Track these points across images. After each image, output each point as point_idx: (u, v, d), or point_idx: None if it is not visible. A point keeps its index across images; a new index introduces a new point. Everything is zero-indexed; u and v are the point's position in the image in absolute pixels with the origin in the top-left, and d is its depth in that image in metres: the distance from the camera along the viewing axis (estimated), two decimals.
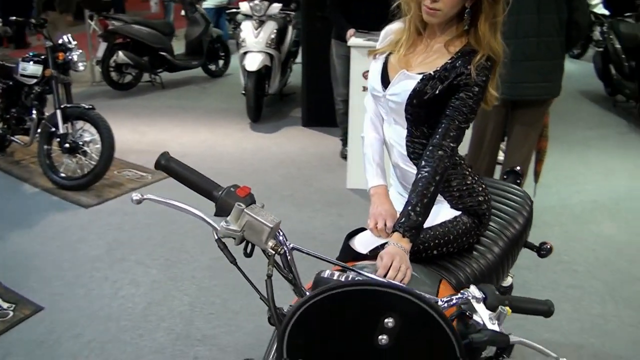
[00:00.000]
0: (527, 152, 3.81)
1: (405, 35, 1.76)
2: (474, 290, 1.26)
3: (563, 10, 3.32)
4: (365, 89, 4.26)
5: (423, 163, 1.65)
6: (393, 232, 1.59)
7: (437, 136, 1.66)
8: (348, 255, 1.75)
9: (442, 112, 1.69)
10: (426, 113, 1.72)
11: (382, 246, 1.73)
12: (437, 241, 1.78)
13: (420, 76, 1.69)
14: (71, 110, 4.25)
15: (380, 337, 1.08)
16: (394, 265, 1.45)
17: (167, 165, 1.42)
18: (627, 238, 3.96)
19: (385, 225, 1.75)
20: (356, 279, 1.18)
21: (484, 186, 1.90)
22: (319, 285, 1.21)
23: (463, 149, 4.06)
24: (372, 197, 1.84)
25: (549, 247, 2.12)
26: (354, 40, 4.26)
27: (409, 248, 1.54)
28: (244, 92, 6.10)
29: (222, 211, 1.34)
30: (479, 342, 1.16)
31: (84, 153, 4.32)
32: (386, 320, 1.07)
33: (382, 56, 1.82)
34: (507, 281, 2.16)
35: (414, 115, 1.73)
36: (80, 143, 4.29)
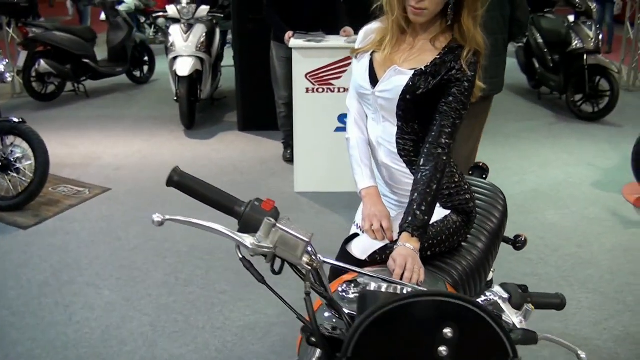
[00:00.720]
0: (473, 146, 3.90)
1: (389, 35, 1.74)
2: (499, 290, 1.25)
3: (506, 8, 3.40)
4: (308, 90, 4.24)
5: (422, 161, 1.65)
6: (401, 232, 1.58)
7: (433, 134, 1.66)
8: (346, 262, 1.68)
9: (432, 108, 1.70)
10: (417, 109, 1.71)
11: (380, 250, 1.73)
12: (430, 242, 1.76)
13: (412, 71, 1.69)
14: (0, 125, 3.96)
15: (440, 348, 1.03)
16: (408, 266, 1.46)
17: (181, 182, 1.31)
18: (572, 224, 4.11)
19: (382, 226, 1.72)
20: (404, 291, 1.11)
21: (468, 184, 1.90)
22: (367, 300, 1.13)
23: None
24: (364, 199, 1.80)
25: (523, 239, 2.14)
26: (295, 41, 4.20)
27: (418, 247, 1.55)
28: (176, 98, 5.91)
29: (247, 227, 1.25)
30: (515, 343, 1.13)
31: (17, 170, 4.04)
32: (445, 330, 1.02)
33: (366, 55, 1.79)
34: (489, 276, 2.17)
35: (406, 111, 1.72)
36: (12, 160, 4.01)
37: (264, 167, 5.06)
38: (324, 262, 1.29)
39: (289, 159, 5.09)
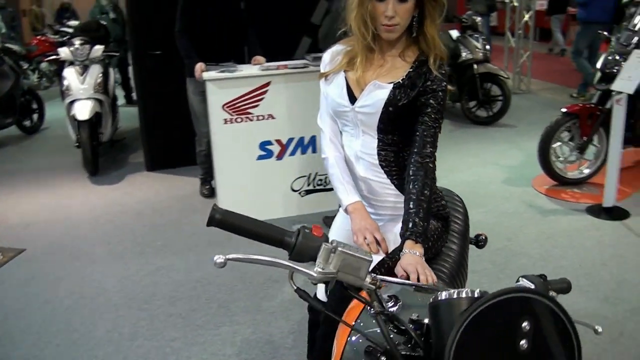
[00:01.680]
0: None
1: (360, 57, 1.80)
2: (524, 282, 1.28)
3: None
4: (226, 121, 4.17)
5: (412, 171, 1.74)
6: (404, 240, 1.65)
7: (418, 144, 1.76)
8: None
9: (410, 119, 1.78)
10: (397, 120, 1.78)
11: (379, 264, 1.78)
12: None
13: (391, 85, 1.76)
14: None
15: (521, 342, 1.06)
16: (420, 271, 1.52)
17: (223, 220, 1.28)
18: (494, 220, 4.33)
19: (376, 238, 1.74)
20: (464, 292, 1.12)
21: (440, 191, 1.95)
22: (440, 309, 1.12)
23: None
24: (351, 215, 1.82)
25: (484, 237, 2.21)
26: (209, 73, 4.11)
27: (422, 252, 1.62)
28: (77, 144, 5.61)
29: (300, 257, 1.24)
30: None
31: None
32: (524, 324, 1.06)
33: (339, 74, 1.84)
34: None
35: (387, 123, 1.79)
36: None
37: (183, 205, 4.90)
38: (384, 280, 1.30)
39: (207, 195, 4.98)
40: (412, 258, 1.57)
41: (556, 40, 12.36)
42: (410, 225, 1.65)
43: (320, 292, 2.12)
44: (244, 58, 4.64)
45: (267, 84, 4.18)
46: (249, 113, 4.22)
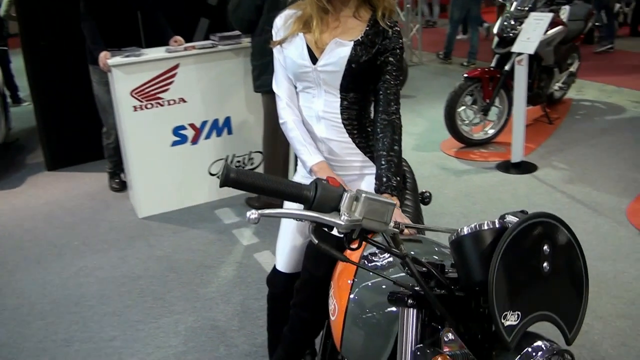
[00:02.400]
0: None
1: (315, 20, 1.81)
2: (511, 218, 1.30)
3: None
4: (136, 108, 3.98)
5: (379, 130, 1.79)
6: (381, 195, 1.65)
7: (382, 103, 1.82)
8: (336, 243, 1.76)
9: (371, 76, 1.83)
10: (360, 77, 1.81)
11: None
12: None
13: (352, 42, 1.79)
14: None
15: (543, 265, 1.11)
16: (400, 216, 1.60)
17: (239, 179, 1.21)
18: None
19: None
20: (484, 224, 1.16)
21: None
22: (465, 243, 1.16)
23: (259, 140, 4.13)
24: (316, 174, 1.81)
25: (428, 194, 2.26)
26: (115, 59, 3.89)
27: (399, 204, 1.71)
28: None
29: (321, 208, 1.21)
30: None
31: None
32: (544, 247, 1.11)
33: (297, 36, 1.85)
34: None
35: (350, 80, 1.81)
36: None
37: (94, 201, 4.64)
38: (407, 226, 1.31)
39: (118, 188, 4.75)
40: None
41: (424, 12, 12.91)
42: (385, 180, 1.71)
43: (281, 260, 2.09)
44: (141, 44, 4.43)
45: (176, 67, 4.03)
46: (160, 98, 4.05)
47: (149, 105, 4.02)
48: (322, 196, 1.21)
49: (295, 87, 1.93)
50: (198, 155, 4.32)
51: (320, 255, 1.84)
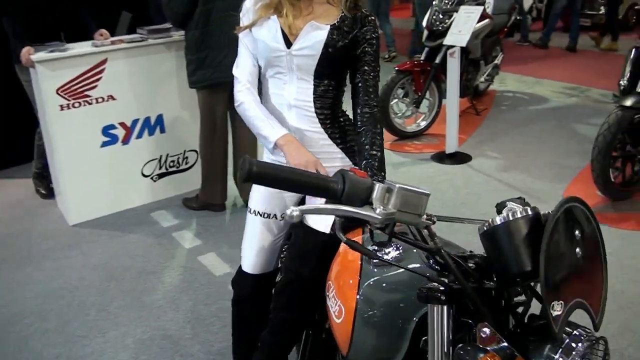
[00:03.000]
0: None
1: (286, 6, 1.74)
2: (514, 205, 1.28)
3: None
4: (63, 107, 3.70)
5: (362, 123, 1.76)
6: None
7: (362, 95, 1.77)
8: (313, 238, 1.77)
9: (346, 64, 1.79)
10: (335, 63, 1.76)
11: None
12: None
13: (329, 26, 1.73)
14: None
15: (577, 250, 1.09)
16: None
17: (262, 173, 1.10)
18: None
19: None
20: (517, 212, 1.12)
21: None
22: (498, 233, 1.12)
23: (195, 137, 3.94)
24: (284, 148, 1.72)
25: None
26: (38, 55, 3.58)
27: None
28: None
29: (350, 201, 1.12)
30: None
31: None
32: (576, 232, 1.09)
33: (270, 19, 1.76)
34: None
35: (325, 66, 1.75)
36: None
37: (21, 211, 4.28)
38: (439, 218, 1.23)
39: (45, 194, 4.42)
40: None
41: None
42: (369, 169, 1.68)
43: (248, 261, 2.01)
44: (80, 36, 4.13)
45: (104, 62, 3.78)
46: (88, 96, 3.78)
47: (76, 104, 3.75)
48: (351, 188, 1.11)
49: (261, 73, 1.86)
50: (130, 156, 4.08)
51: (306, 253, 1.75)
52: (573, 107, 6.16)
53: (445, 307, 1.18)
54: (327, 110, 1.82)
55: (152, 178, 4.24)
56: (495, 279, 1.19)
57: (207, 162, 3.96)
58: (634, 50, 4.49)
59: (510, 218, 1.12)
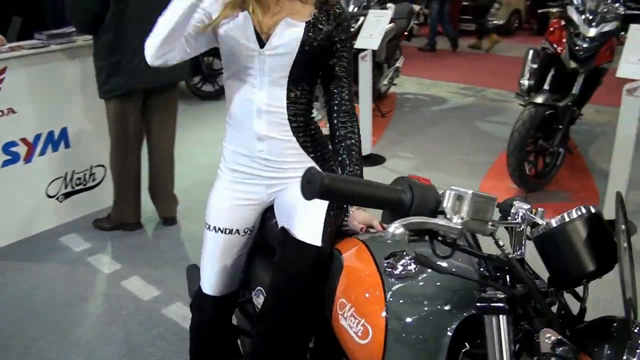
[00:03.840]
0: (172, 135, 3.74)
1: (251, 4, 1.60)
2: (520, 203, 1.25)
3: None
4: None
5: (343, 133, 1.71)
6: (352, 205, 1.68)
7: (339, 102, 1.71)
8: (302, 250, 1.65)
9: (319, 66, 1.69)
10: (312, 63, 1.67)
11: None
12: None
13: (304, 23, 1.63)
14: None
15: (624, 245, 1.06)
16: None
17: (334, 187, 0.96)
18: None
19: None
20: (573, 213, 1.11)
21: None
22: (557, 235, 1.10)
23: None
24: None
25: None
26: None
27: None
28: None
29: (421, 211, 1.04)
30: None
31: None
32: (622, 227, 1.07)
33: (239, 15, 1.61)
34: None
35: (300, 66, 1.64)
36: None
37: None
38: (500, 224, 1.14)
39: None
40: (364, 214, 1.65)
41: None
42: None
43: (210, 282, 1.86)
44: None
45: (3, 70, 3.36)
46: None
47: None
48: (422, 196, 1.02)
49: (226, 76, 1.73)
50: (33, 176, 3.67)
51: (300, 271, 1.61)
52: (471, 106, 6.43)
53: (505, 317, 1.11)
54: (301, 117, 1.71)
55: (57, 199, 3.84)
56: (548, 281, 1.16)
57: (118, 178, 3.64)
58: (531, 52, 4.78)
59: (568, 219, 1.10)
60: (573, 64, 4.05)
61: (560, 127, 4.10)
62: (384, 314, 1.29)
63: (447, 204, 1.03)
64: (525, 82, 4.92)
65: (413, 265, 1.32)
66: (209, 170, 4.63)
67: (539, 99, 4.01)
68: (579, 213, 1.09)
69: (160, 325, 2.85)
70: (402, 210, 1.02)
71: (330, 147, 1.80)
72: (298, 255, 1.61)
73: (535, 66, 4.97)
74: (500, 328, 1.11)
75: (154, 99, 3.50)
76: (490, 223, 1.08)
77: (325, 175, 0.96)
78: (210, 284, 1.85)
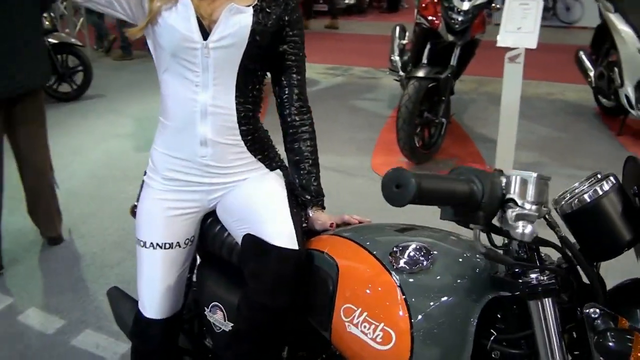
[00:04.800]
0: (44, 146, 3.32)
1: None
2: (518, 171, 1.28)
3: None
4: None
5: (300, 131, 1.62)
6: (312, 207, 1.60)
7: (293, 100, 1.61)
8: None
9: (269, 59, 1.54)
10: (264, 54, 1.51)
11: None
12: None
13: (251, 8, 1.46)
14: None
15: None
16: (346, 217, 1.59)
17: (430, 188, 0.89)
18: None
19: None
20: (599, 188, 1.10)
21: None
22: (588, 211, 1.09)
23: None
24: None
25: None
26: None
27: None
28: None
29: (492, 201, 1.00)
30: None
31: None
32: None
33: (177, 5, 1.42)
34: None
35: (251, 58, 1.47)
36: None
37: None
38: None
39: None
40: (325, 215, 1.58)
41: None
42: (314, 194, 1.60)
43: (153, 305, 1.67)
44: None
45: None
46: None
47: None
48: (490, 188, 0.97)
49: (162, 72, 1.53)
50: None
51: (283, 280, 1.45)
52: (343, 85, 6.52)
53: (551, 298, 1.10)
54: (251, 119, 1.56)
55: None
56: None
57: None
58: (397, 28, 4.91)
59: (601, 193, 1.09)
60: (450, 37, 4.20)
61: (443, 98, 4.25)
62: (405, 313, 1.20)
63: (515, 190, 0.99)
64: (397, 59, 5.06)
65: (421, 257, 1.25)
66: (90, 180, 4.35)
67: (421, 73, 4.12)
68: (610, 184, 1.09)
69: (75, 358, 2.55)
70: (472, 203, 0.94)
71: (270, 141, 1.68)
72: (277, 263, 1.46)
73: (404, 42, 5.12)
74: (547, 310, 1.09)
75: (17, 109, 3.08)
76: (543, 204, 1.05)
77: (417, 176, 0.87)
78: (153, 307, 1.64)
